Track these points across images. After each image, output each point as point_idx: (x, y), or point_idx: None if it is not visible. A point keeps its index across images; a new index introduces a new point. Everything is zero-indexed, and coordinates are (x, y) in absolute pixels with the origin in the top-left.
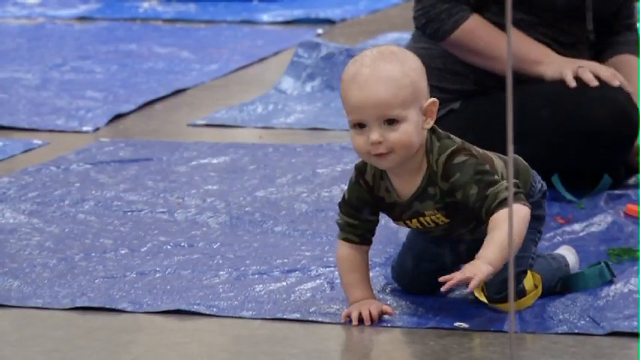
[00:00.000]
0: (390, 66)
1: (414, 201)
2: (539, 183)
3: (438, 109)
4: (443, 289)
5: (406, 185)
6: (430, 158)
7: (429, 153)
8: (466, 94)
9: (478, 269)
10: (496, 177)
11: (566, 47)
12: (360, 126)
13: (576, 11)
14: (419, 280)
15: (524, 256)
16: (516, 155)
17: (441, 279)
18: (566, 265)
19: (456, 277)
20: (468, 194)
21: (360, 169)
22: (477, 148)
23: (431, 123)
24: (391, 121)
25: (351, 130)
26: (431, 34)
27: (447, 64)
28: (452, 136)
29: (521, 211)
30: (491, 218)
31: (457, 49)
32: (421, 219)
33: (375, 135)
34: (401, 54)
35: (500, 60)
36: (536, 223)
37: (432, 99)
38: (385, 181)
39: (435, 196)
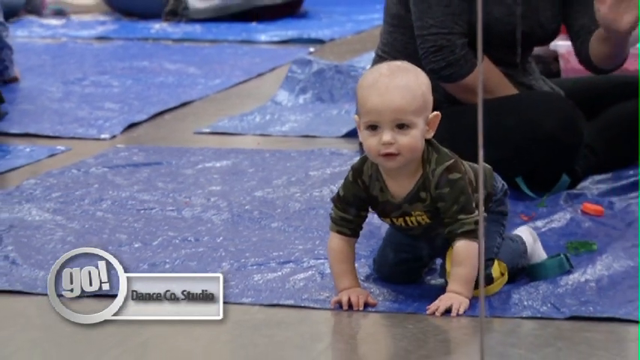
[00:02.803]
0: (406, 77)
1: (404, 203)
2: (501, 183)
3: None
4: (428, 312)
5: (399, 188)
6: (427, 167)
7: (425, 162)
8: None
9: (458, 300)
10: (473, 206)
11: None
12: (372, 128)
13: (507, 39)
14: (398, 270)
15: (491, 246)
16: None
17: (428, 312)
18: (523, 243)
19: (441, 307)
20: (447, 208)
21: (358, 170)
22: (463, 161)
23: (432, 133)
24: (402, 126)
25: (363, 132)
26: (446, 75)
27: None
28: (446, 149)
29: (474, 250)
30: (454, 250)
31: (463, 89)
32: (407, 218)
33: (387, 136)
34: (413, 69)
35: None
36: (501, 217)
37: (436, 112)
38: (380, 182)
39: (426, 201)
